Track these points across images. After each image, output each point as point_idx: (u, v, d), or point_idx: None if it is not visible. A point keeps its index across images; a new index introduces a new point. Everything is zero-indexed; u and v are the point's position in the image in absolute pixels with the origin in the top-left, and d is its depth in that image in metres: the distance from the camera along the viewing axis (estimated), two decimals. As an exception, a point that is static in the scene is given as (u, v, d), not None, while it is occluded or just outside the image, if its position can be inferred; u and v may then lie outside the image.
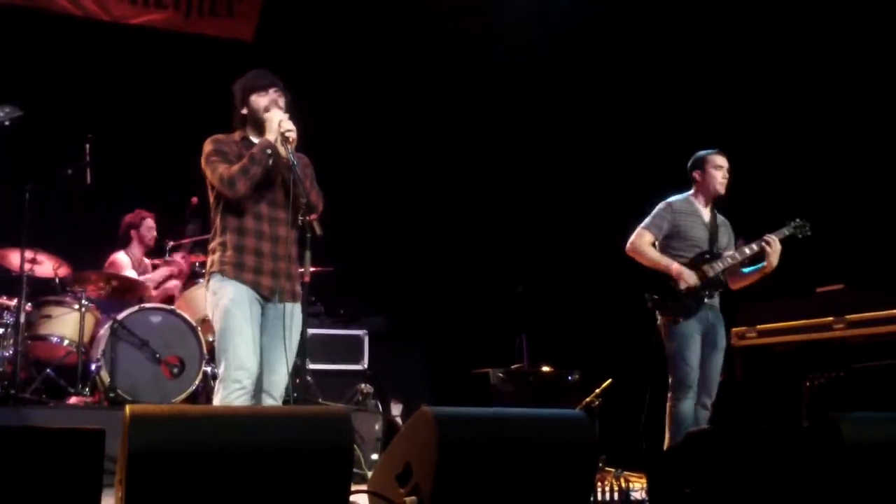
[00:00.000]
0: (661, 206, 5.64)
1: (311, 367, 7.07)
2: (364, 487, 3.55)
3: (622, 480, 4.45)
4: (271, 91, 4.37)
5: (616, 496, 4.20)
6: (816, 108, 7.01)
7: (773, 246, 5.33)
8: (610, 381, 6.35)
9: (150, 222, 7.24)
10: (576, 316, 8.27)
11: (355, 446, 5.75)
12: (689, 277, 5.35)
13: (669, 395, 5.39)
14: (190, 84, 8.09)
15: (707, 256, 5.47)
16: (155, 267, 7.31)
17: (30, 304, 6.42)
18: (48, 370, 6.35)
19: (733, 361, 6.60)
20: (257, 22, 8.71)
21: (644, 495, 4.41)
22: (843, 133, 6.89)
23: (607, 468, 5.52)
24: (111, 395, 6.19)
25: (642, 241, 5.54)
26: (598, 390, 6.32)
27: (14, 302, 6.33)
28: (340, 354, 7.51)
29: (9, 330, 6.34)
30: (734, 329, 6.58)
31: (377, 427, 6.35)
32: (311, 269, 4.26)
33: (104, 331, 6.40)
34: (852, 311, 5.57)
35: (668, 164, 7.93)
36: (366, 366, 7.54)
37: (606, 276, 8.41)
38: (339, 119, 8.49)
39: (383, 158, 8.78)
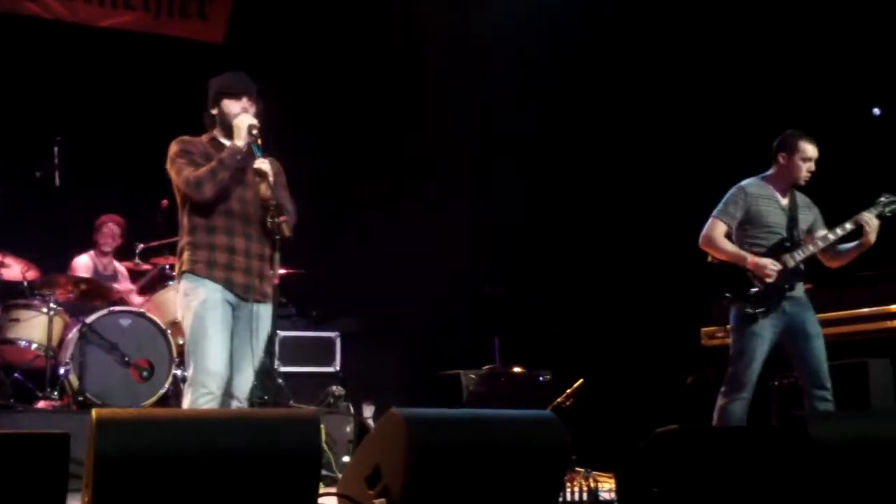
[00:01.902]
0: (733, 190, 5.23)
1: (283, 369, 7.05)
2: (334, 490, 3.54)
3: (591, 480, 4.46)
4: (244, 99, 4.36)
5: (585, 496, 4.22)
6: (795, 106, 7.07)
7: (871, 223, 5.02)
8: (581, 381, 6.36)
9: (108, 228, 7.20)
10: (551, 317, 8.30)
11: (326, 448, 5.77)
12: (767, 269, 5.00)
13: (722, 390, 5.09)
14: (160, 86, 8.05)
15: (787, 244, 5.13)
16: (131, 273, 7.29)
17: (-2, 307, 6.38)
18: (16, 374, 6.31)
19: (703, 361, 6.65)
20: (228, 24, 8.68)
21: (613, 495, 4.43)
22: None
23: (577, 468, 5.53)
24: (80, 398, 6.15)
25: (716, 232, 5.15)
26: (569, 391, 6.33)
27: (-18, 306, 6.29)
28: (312, 356, 7.47)
29: (-24, 334, 6.29)
30: (703, 329, 6.63)
31: (349, 429, 6.35)
32: (282, 270, 4.25)
33: (73, 334, 6.36)
34: (820, 311, 5.61)
35: (650, 163, 8.04)
36: (338, 368, 7.51)
37: (581, 277, 8.47)
38: (312, 120, 8.47)
39: (355, 159, 8.77)
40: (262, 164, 4.20)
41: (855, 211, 5.19)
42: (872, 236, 5.06)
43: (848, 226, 5.10)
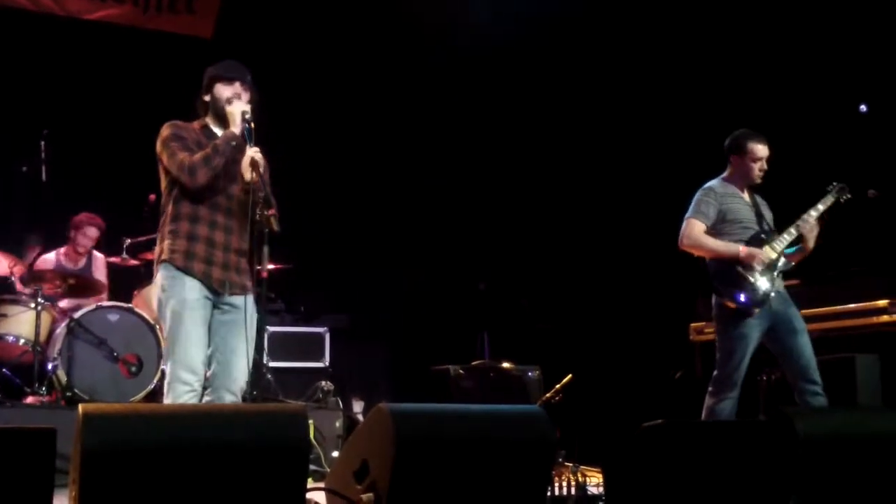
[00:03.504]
0: (701, 192, 5.26)
1: (272, 364, 7.05)
2: (323, 485, 3.54)
3: (579, 475, 4.46)
4: (236, 84, 4.34)
5: (573, 490, 4.23)
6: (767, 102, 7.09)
7: (811, 231, 5.08)
8: (570, 376, 6.37)
9: (90, 230, 7.05)
10: (540, 313, 8.31)
11: (316, 443, 5.77)
12: (760, 255, 5.00)
13: (710, 390, 5.09)
14: (148, 80, 8.02)
15: (763, 236, 5.16)
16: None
17: (-16, 302, 6.35)
18: (4, 369, 6.30)
19: (692, 356, 6.68)
20: (216, 19, 8.65)
21: (600, 489, 4.44)
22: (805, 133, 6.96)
23: (566, 463, 5.53)
24: (68, 394, 6.14)
25: (695, 231, 5.16)
26: (557, 386, 6.34)
27: (-32, 301, 6.27)
28: (301, 352, 7.48)
29: (-37, 329, 6.26)
30: (692, 325, 6.65)
31: (338, 424, 6.35)
32: (271, 265, 4.24)
33: (61, 329, 6.34)
34: (808, 307, 5.63)
35: (637, 160, 8.05)
36: (327, 363, 7.52)
37: (568, 273, 8.48)
38: (300, 115, 8.46)
39: (343, 153, 8.76)
40: (256, 153, 4.18)
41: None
42: (811, 242, 5.14)
43: (793, 230, 5.15)
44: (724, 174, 5.35)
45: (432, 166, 8.88)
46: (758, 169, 5.23)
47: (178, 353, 4.11)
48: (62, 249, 7.14)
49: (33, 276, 6.54)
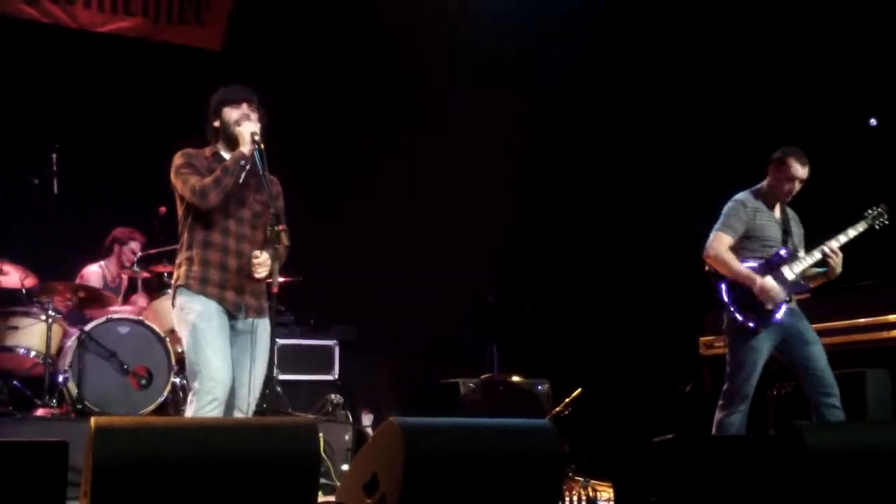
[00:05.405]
0: (732, 205, 5.20)
1: (281, 377, 7.05)
2: (333, 498, 3.55)
3: (589, 489, 4.46)
4: (244, 105, 4.35)
5: (583, 505, 4.23)
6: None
7: (835, 259, 5.05)
8: (580, 390, 6.37)
9: (134, 245, 7.12)
10: (546, 323, 8.30)
11: (325, 457, 5.77)
12: (772, 296, 4.98)
13: (720, 403, 5.06)
14: (158, 93, 8.06)
15: (784, 256, 5.14)
16: (130, 280, 7.29)
17: (-5, 314, 6.37)
18: (14, 382, 6.30)
19: (701, 370, 6.67)
20: (225, 31, 8.70)
21: (611, 504, 4.44)
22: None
23: (576, 477, 5.53)
24: (79, 406, 6.14)
25: (722, 245, 5.10)
26: (567, 400, 6.34)
27: (-21, 313, 6.28)
28: (311, 364, 7.48)
29: (-26, 341, 6.27)
30: (701, 339, 6.65)
31: (347, 437, 6.35)
32: (281, 278, 4.26)
33: (71, 342, 6.35)
34: (819, 321, 5.61)
35: (647, 172, 8.06)
36: (336, 376, 7.52)
37: (578, 286, 8.48)
38: (309, 128, 8.48)
39: (352, 166, 8.78)
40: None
41: (849, 221, 5.21)
42: (837, 269, 5.09)
43: (817, 254, 5.12)
44: (757, 186, 5.29)
45: (439, 177, 8.88)
46: (787, 188, 5.15)
47: (201, 364, 4.14)
48: (105, 262, 7.17)
49: (43, 289, 6.56)
